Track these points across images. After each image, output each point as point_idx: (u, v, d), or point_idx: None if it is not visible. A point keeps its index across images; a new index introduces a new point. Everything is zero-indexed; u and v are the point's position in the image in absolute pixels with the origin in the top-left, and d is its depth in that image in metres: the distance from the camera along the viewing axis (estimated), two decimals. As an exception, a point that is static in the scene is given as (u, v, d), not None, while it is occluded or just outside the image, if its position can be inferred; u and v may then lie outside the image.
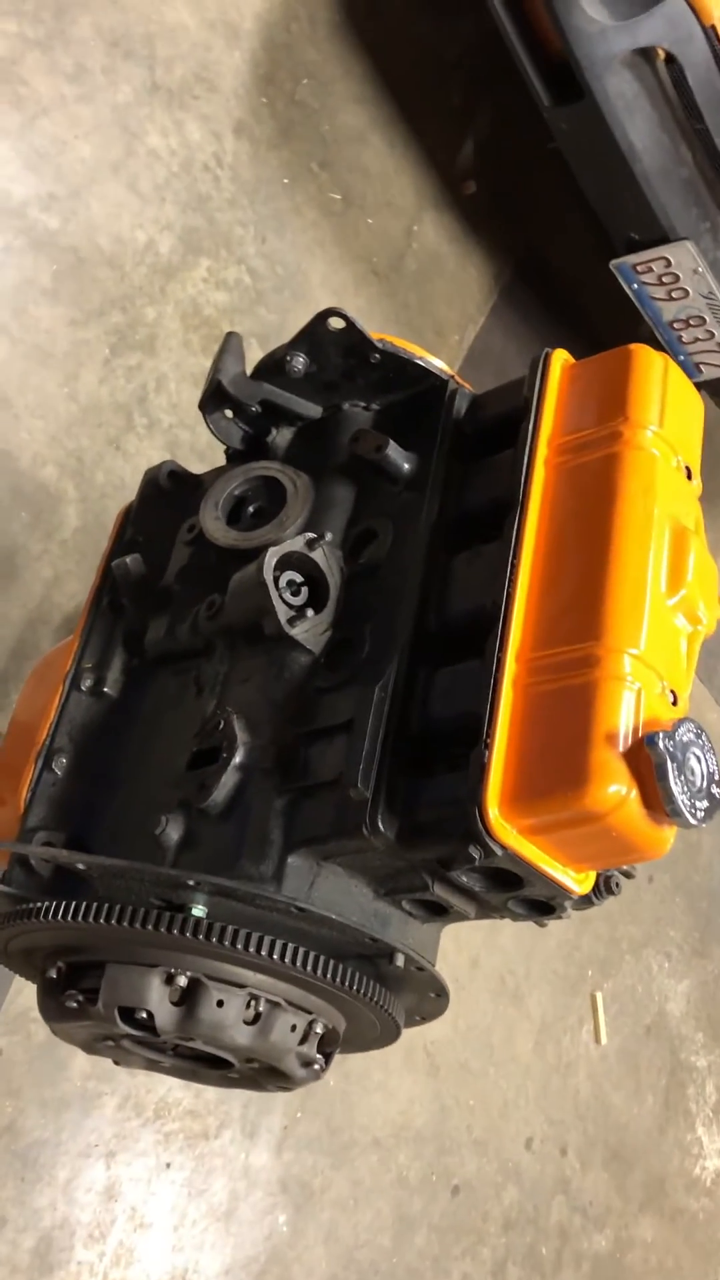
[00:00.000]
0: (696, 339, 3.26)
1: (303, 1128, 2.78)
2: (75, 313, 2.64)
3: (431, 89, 3.54)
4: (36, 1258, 2.34)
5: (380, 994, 1.28)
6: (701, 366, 3.35)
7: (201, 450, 2.73)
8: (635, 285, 3.15)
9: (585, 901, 1.20)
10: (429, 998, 1.38)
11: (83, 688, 1.49)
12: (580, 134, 2.93)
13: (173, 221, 2.85)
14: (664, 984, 3.84)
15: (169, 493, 1.60)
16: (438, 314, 3.50)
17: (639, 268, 3.10)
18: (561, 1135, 3.38)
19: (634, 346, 1.30)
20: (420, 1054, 3.06)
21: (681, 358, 3.31)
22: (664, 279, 3.10)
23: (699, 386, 1.37)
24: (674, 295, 3.15)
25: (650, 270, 3.09)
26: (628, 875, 1.26)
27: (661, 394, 1.27)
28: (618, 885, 1.22)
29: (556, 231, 3.77)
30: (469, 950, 3.22)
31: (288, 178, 3.13)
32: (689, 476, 1.26)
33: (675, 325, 3.23)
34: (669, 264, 3.06)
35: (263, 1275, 2.65)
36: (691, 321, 3.20)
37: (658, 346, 3.25)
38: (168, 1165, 2.54)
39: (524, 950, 3.37)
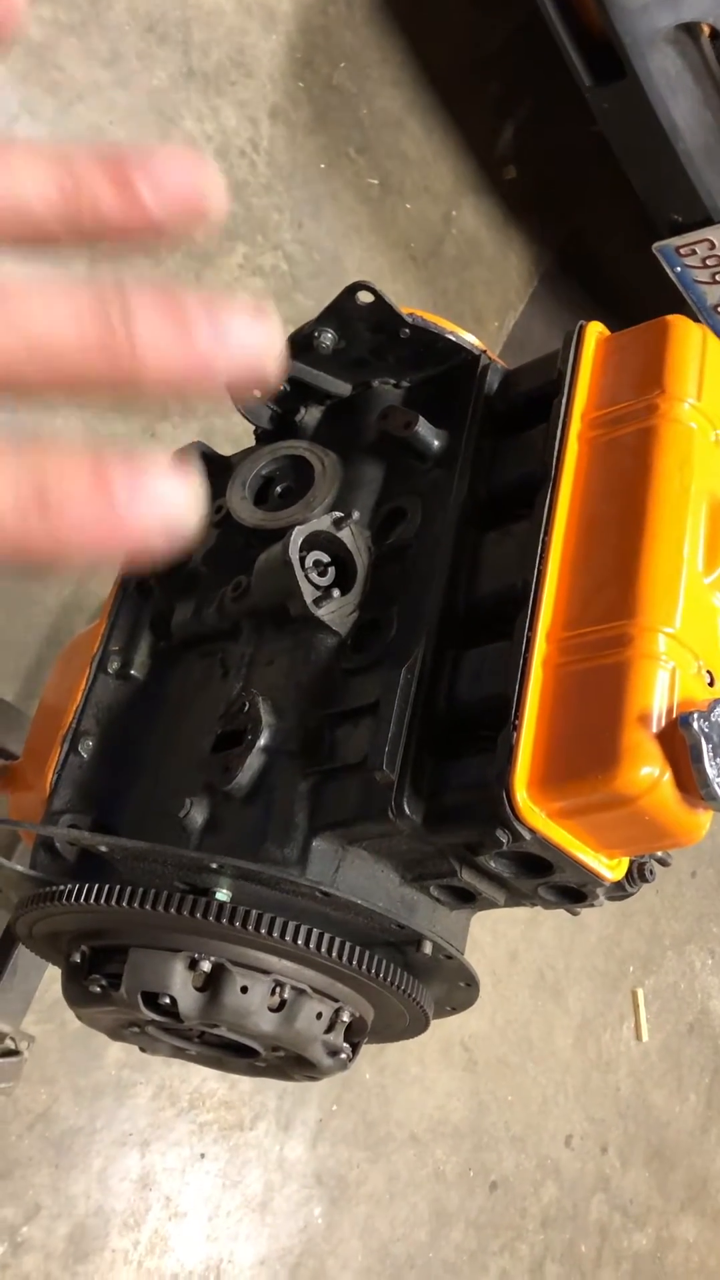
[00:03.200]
0: (742, 323, 3.20)
1: (338, 1121, 2.76)
2: (110, 300, 2.63)
3: (471, 74, 3.49)
4: (71, 1244, 2.34)
5: (408, 982, 1.24)
6: (747, 351, 3.28)
7: (238, 438, 2.69)
8: (678, 269, 3.09)
9: (618, 889, 1.16)
10: (459, 987, 1.34)
11: (109, 670, 1.47)
12: (622, 114, 2.88)
13: (208, 208, 2.83)
14: (707, 981, 3.77)
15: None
16: (477, 300, 3.45)
17: (682, 250, 3.03)
18: (602, 1133, 3.34)
19: (671, 317, 1.26)
20: (458, 1049, 3.03)
21: (726, 342, 3.24)
22: (708, 261, 3.04)
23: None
24: (718, 278, 3.09)
25: (694, 253, 3.03)
26: (663, 863, 1.22)
27: (700, 365, 1.22)
28: (651, 873, 1.18)
29: (599, 216, 3.71)
30: (507, 944, 3.18)
31: (324, 163, 3.10)
32: (728, 451, 1.22)
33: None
34: (713, 246, 3.00)
35: (297, 1267, 2.63)
36: (736, 305, 3.14)
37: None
38: (202, 1155, 2.53)
39: (564, 945, 3.33)
